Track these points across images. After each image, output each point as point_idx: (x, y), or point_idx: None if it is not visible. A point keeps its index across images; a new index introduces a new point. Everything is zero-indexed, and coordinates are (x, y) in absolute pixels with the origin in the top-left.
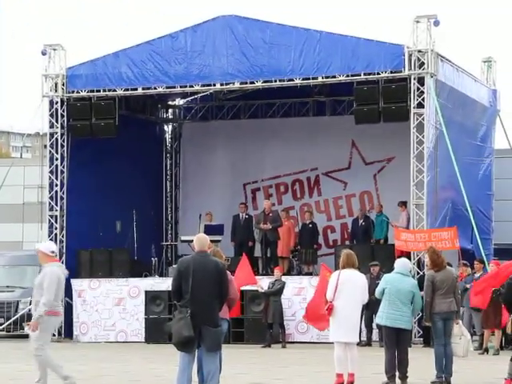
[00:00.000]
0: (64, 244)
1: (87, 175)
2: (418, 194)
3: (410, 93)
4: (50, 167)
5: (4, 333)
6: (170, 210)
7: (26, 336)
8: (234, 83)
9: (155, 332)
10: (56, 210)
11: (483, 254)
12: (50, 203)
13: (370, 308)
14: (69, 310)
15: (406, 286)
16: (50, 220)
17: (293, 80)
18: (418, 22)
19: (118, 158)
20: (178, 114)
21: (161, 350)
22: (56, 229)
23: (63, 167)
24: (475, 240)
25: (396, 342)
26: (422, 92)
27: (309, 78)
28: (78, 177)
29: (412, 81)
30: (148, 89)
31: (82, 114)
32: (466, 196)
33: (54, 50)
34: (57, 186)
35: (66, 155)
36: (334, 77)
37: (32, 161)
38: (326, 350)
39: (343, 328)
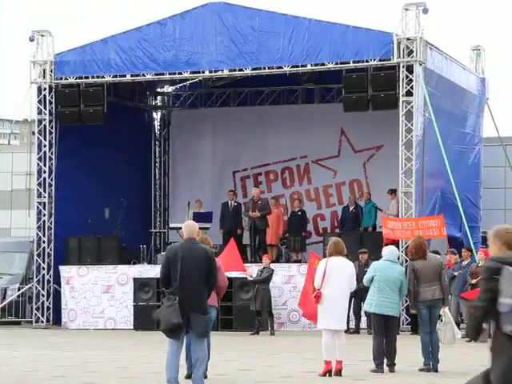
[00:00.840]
0: (52, 231)
1: (75, 162)
2: (406, 181)
3: (399, 81)
4: (38, 154)
5: None
6: (158, 197)
7: (15, 323)
8: (222, 70)
9: (144, 319)
10: (44, 197)
11: (471, 242)
12: (38, 190)
13: (359, 295)
14: (57, 296)
15: (395, 273)
16: (38, 207)
17: (282, 67)
18: (406, 9)
19: (107, 145)
20: (167, 101)
21: (149, 337)
22: (44, 216)
23: (51, 154)
24: (464, 228)
25: (384, 330)
26: (411, 80)
27: (298, 66)
28: (66, 164)
29: (401, 69)
30: (137, 76)
31: (70, 101)
32: (455, 184)
33: (42, 36)
34: (45, 172)
35: (54, 142)
36: (323, 64)
37: (20, 147)
38: (315, 338)
39: (331, 315)
